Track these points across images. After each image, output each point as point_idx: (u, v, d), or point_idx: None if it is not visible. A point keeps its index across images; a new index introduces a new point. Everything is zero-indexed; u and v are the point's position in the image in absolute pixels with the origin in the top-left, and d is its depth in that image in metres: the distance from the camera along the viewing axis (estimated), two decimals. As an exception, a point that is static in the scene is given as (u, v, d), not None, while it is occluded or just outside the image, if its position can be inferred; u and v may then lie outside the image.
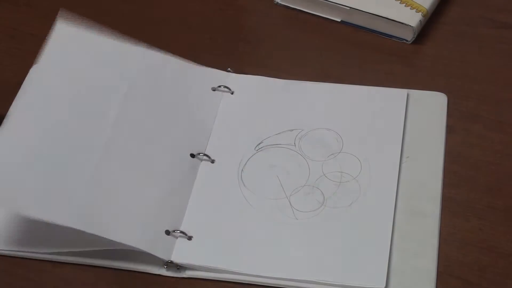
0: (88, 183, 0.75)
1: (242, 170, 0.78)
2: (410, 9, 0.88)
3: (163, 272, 0.72)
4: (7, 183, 0.72)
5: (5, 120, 0.75)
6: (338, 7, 0.91)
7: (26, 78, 0.90)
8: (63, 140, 0.76)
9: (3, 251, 0.75)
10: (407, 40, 0.88)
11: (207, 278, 0.71)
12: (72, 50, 0.82)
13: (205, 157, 0.79)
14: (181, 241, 0.73)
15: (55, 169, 0.74)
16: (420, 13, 0.88)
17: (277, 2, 0.95)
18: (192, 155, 0.79)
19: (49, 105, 0.78)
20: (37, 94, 0.78)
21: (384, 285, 0.67)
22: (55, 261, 0.74)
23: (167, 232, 0.73)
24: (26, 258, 0.75)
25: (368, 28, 0.91)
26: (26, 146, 0.74)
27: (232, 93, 0.85)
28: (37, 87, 0.79)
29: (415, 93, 0.82)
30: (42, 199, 0.71)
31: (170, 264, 0.71)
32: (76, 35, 0.83)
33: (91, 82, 0.81)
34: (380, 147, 0.78)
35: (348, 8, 0.90)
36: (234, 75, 0.86)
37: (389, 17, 0.88)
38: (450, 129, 0.79)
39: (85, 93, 0.80)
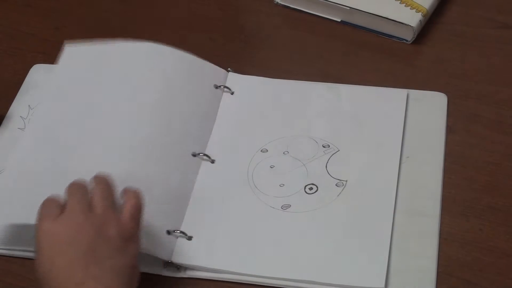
0: None
1: (242, 170, 0.78)
2: (410, 9, 0.88)
3: (163, 272, 0.72)
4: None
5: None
6: (338, 7, 0.90)
7: (27, 77, 0.91)
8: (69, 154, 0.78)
9: (2, 251, 0.75)
10: (407, 40, 0.88)
11: (207, 278, 0.71)
12: (80, 64, 0.85)
13: (205, 157, 0.79)
14: (181, 241, 0.73)
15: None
16: (420, 13, 0.88)
17: (277, 2, 0.95)
18: (194, 155, 0.79)
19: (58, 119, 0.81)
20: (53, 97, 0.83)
21: (384, 285, 0.67)
22: (55, 261, 0.74)
23: (167, 232, 0.73)
24: (25, 258, 0.75)
25: (368, 28, 0.90)
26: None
27: (232, 94, 0.85)
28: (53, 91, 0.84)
29: (415, 93, 0.82)
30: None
31: (170, 264, 0.71)
32: (82, 51, 0.86)
33: (101, 87, 0.83)
34: (380, 147, 0.78)
35: (348, 8, 0.90)
36: (234, 75, 0.86)
37: (389, 17, 0.87)
38: (450, 129, 0.79)
39: (95, 97, 0.82)
